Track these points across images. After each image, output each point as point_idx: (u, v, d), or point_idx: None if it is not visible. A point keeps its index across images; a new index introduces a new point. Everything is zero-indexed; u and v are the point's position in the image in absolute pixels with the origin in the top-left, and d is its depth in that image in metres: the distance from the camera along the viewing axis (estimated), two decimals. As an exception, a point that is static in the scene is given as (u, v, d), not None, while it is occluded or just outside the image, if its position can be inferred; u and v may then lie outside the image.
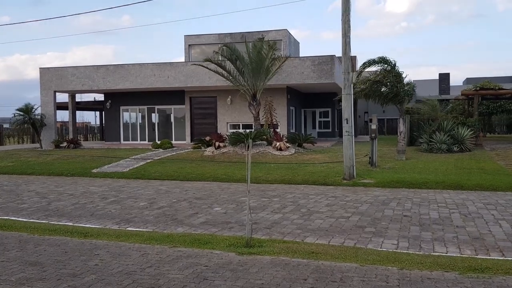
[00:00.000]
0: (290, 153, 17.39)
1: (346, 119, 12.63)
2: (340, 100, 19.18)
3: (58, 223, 7.94)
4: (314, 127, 29.91)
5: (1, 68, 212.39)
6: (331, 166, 14.63)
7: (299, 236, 6.69)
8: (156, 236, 6.27)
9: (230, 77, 19.54)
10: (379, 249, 5.76)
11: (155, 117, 26.04)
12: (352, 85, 12.95)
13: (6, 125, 34.86)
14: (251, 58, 18.98)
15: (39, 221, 8.11)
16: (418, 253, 5.64)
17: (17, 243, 6.03)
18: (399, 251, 5.75)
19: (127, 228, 7.44)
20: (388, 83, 16.39)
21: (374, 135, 14.58)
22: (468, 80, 47.03)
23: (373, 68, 16.62)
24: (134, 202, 9.68)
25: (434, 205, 8.82)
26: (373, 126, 14.73)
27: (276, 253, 5.22)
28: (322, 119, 30.06)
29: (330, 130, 29.37)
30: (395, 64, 16.54)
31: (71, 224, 7.81)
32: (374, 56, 15.34)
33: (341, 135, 33.05)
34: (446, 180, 11.46)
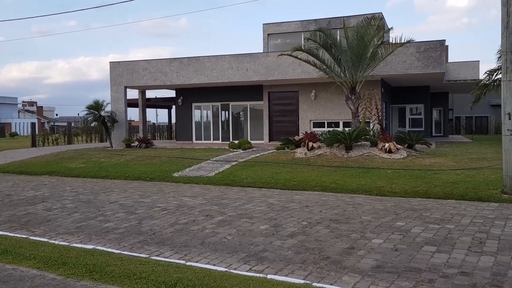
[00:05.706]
0: (402, 156, 14.41)
1: (509, 114, 9.55)
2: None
3: (162, 258, 5.63)
4: (402, 125, 26.46)
5: (67, 70, 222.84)
6: (468, 174, 11.56)
7: None
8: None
9: (324, 67, 16.82)
10: None
11: (228, 115, 23.81)
12: (515, 68, 9.85)
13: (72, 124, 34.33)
14: (350, 44, 16.17)
15: (134, 254, 5.83)
16: None
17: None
18: None
19: (268, 275, 4.96)
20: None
21: (527, 134, 11.32)
22: None
23: None
24: (251, 224, 7.23)
25: None
26: (526, 124, 11.45)
27: None
28: (412, 116, 26.58)
29: (422, 128, 25.77)
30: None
31: (182, 262, 5.46)
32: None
33: (432, 135, 29.70)
34: None
